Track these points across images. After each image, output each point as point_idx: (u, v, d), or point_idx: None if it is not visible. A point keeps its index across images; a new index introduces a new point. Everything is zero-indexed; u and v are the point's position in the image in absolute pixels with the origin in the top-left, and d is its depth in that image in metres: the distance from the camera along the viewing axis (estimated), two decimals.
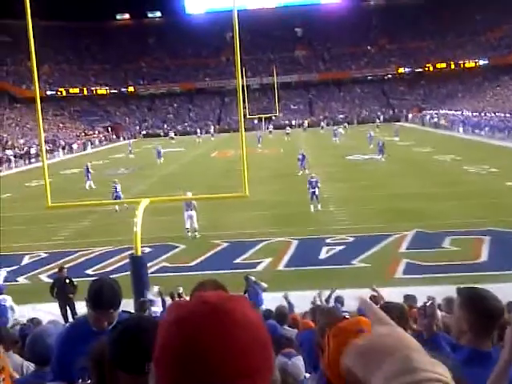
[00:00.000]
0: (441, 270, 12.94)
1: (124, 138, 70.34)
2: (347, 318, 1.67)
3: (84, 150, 57.69)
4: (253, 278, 10.33)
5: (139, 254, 10.79)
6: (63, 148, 55.05)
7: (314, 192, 20.09)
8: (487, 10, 78.72)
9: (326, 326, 3.16)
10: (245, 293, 10.10)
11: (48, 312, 11.30)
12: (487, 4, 78.21)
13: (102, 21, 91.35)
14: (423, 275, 12.74)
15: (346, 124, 62.46)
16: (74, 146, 57.08)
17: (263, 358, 0.93)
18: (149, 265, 12.17)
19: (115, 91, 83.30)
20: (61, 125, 68.97)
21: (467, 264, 13.29)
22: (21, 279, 14.34)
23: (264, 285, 10.44)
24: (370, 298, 8.61)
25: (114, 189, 22.17)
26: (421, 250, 14.55)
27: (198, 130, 64.99)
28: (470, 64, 76.16)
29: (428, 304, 2.88)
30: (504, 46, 74.18)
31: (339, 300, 9.38)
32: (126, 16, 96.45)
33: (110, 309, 2.92)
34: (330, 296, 9.57)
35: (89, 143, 62.24)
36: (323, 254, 14.83)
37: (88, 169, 29.12)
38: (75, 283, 11.53)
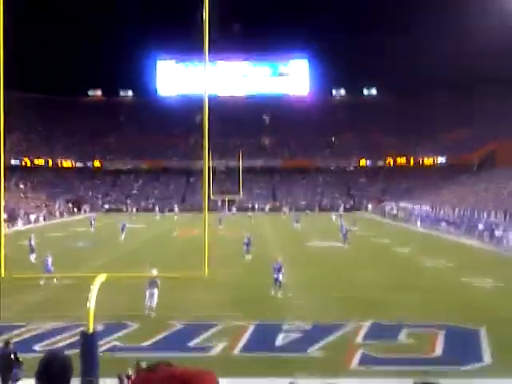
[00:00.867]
0: (395, 363, 12.89)
1: (85, 212, 69.63)
2: None
3: (44, 221, 56.74)
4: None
5: (91, 331, 10.50)
6: (22, 218, 54.08)
7: (277, 278, 19.99)
8: (447, 110, 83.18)
9: None
10: None
11: None
12: (447, 105, 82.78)
13: (74, 95, 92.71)
14: (378, 367, 12.65)
15: (307, 211, 63.48)
16: (32, 217, 56.04)
17: None
18: (100, 343, 11.81)
19: (81, 165, 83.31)
20: (22, 195, 68.08)
21: (422, 358, 13.28)
22: None
23: None
24: None
25: (46, 262, 21.93)
26: (377, 341, 14.52)
27: (157, 208, 65.75)
28: (428, 161, 79.37)
29: None
30: (461, 147, 77.81)
31: None
32: (98, 93, 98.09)
33: None
34: None
35: (49, 215, 61.39)
36: (280, 341, 14.64)
37: (31, 242, 28.53)
38: (21, 359, 11.06)
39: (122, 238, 38.15)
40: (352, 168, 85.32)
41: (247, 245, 29.36)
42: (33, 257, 27.56)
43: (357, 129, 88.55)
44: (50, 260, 22.17)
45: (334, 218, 55.78)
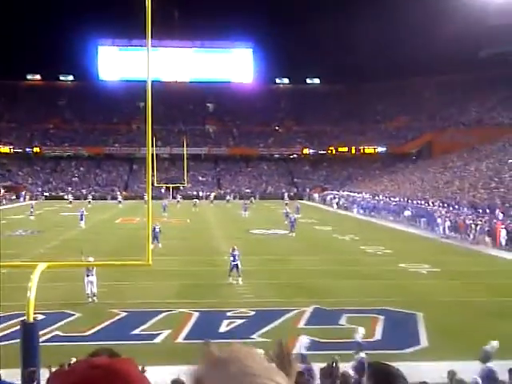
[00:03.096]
0: (337, 348, 13.20)
1: (24, 199, 67.56)
2: None
3: None
4: None
5: (31, 320, 10.30)
6: None
7: (235, 264, 20.12)
8: (387, 101, 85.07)
9: None
10: None
11: None
12: (387, 96, 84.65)
13: (12, 79, 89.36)
14: (320, 352, 12.93)
15: (252, 198, 63.77)
16: None
17: None
18: (41, 333, 11.60)
19: (19, 150, 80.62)
20: None
21: (362, 342, 13.64)
22: None
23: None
24: None
25: None
26: (319, 326, 14.84)
27: (90, 196, 64.30)
28: (369, 150, 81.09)
29: (333, 365, 3.01)
30: (401, 136, 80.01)
31: None
32: (37, 77, 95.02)
33: None
34: None
35: None
36: (223, 328, 14.75)
37: None
38: None
39: (82, 225, 37.75)
40: (295, 156, 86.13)
41: (155, 233, 27.08)
42: None
43: (300, 118, 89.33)
44: None
45: (286, 206, 54.26)
